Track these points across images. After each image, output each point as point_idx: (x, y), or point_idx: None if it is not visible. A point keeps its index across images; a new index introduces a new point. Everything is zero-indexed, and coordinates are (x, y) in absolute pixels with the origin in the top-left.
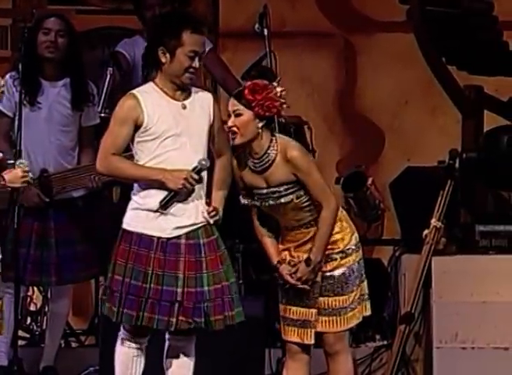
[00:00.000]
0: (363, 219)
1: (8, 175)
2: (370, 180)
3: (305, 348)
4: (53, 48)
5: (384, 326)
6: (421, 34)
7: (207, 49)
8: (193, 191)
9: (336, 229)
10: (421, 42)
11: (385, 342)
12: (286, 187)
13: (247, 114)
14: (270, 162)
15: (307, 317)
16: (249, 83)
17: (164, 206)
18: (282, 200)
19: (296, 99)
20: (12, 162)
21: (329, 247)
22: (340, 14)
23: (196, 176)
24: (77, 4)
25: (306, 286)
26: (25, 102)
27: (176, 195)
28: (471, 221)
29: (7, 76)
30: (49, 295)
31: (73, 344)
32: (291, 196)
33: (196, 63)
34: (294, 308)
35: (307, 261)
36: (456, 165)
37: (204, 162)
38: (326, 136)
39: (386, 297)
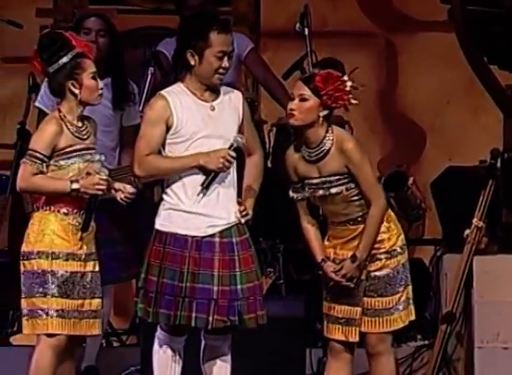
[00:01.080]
0: (404, 218)
1: (84, 180)
2: (411, 180)
3: (348, 347)
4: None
5: (425, 326)
6: (463, 34)
7: (248, 49)
8: (225, 183)
9: (383, 229)
10: (462, 41)
11: (427, 342)
12: (337, 177)
13: (313, 101)
14: (325, 151)
15: (351, 315)
16: (322, 71)
17: (206, 188)
18: (333, 190)
19: None
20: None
21: (375, 246)
22: (381, 13)
23: (233, 154)
24: (118, 4)
25: (351, 283)
26: None
27: (217, 176)
28: None
29: None
30: None
31: (115, 344)
32: (341, 187)
33: (225, 63)
34: (339, 307)
35: (353, 258)
36: (498, 164)
37: (239, 139)
38: (367, 135)
39: (428, 297)
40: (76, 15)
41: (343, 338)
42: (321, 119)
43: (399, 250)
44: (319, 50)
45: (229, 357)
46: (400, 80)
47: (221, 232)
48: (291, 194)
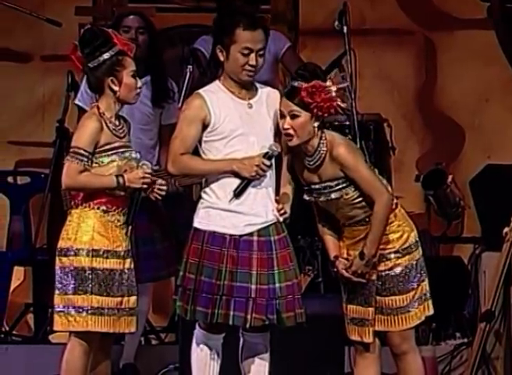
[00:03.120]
0: (443, 216)
1: (128, 174)
2: (450, 178)
3: (369, 347)
4: (135, 46)
5: (464, 324)
6: (502, 32)
7: (285, 47)
8: (263, 181)
9: (392, 228)
10: (501, 40)
11: (466, 340)
12: (335, 182)
13: (304, 115)
14: (321, 158)
15: (364, 316)
16: (305, 84)
17: (239, 195)
18: (333, 195)
19: (376, 96)
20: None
21: (384, 246)
22: (420, 11)
23: (267, 162)
24: (157, 2)
25: (362, 279)
26: None
27: (250, 183)
28: None
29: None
30: None
31: (153, 342)
32: (340, 192)
33: (252, 60)
34: (353, 307)
35: (361, 255)
36: None
37: (274, 148)
38: (406, 133)
39: (467, 295)
40: (115, 13)
41: (358, 339)
42: (315, 129)
43: (411, 247)
44: (358, 48)
45: (267, 355)
46: (439, 78)
47: (259, 230)
48: (304, 196)
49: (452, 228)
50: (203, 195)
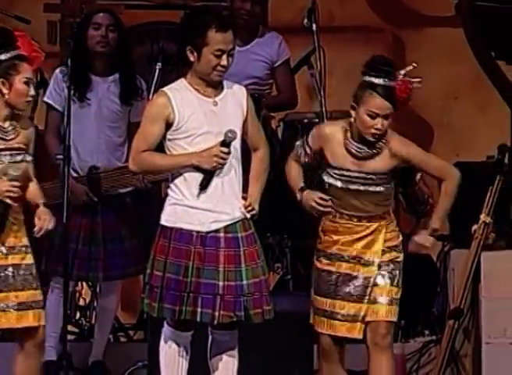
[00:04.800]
0: (412, 214)
1: None
2: (419, 176)
3: (335, 350)
4: (104, 43)
5: (433, 322)
6: (470, 29)
7: (284, 59)
8: (229, 179)
9: (392, 227)
10: (469, 37)
11: (434, 337)
12: (380, 176)
13: (391, 113)
14: (377, 152)
15: (358, 312)
16: (399, 83)
17: (204, 188)
18: (371, 188)
19: (345, 94)
20: (61, 157)
21: (390, 239)
22: (389, 9)
23: (225, 150)
24: None
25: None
26: (74, 98)
27: (213, 175)
28: None
29: (57, 70)
30: (98, 290)
31: (122, 339)
32: (381, 187)
33: (224, 61)
34: (343, 303)
35: (434, 230)
36: (506, 160)
37: (230, 135)
38: None
39: (435, 292)
40: (83, 10)
41: (346, 335)
42: None
43: (400, 248)
44: (327, 45)
45: (235, 352)
46: (408, 76)
47: (226, 227)
48: (325, 177)
49: (420, 225)
50: (169, 192)
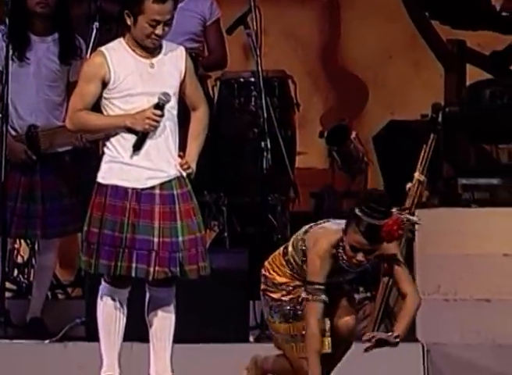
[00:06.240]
0: (347, 172)
1: None
2: (354, 134)
3: None
4: (44, 4)
5: (367, 279)
6: None
7: (214, 18)
8: (165, 137)
9: None
10: None
11: (369, 294)
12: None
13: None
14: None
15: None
16: (383, 222)
17: (138, 149)
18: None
19: (280, 53)
20: None
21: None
22: None
23: (158, 112)
24: None
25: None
26: (13, 57)
27: (147, 136)
28: (453, 174)
29: None
30: (36, 248)
31: (60, 296)
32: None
33: (159, 30)
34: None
35: (397, 337)
36: (439, 118)
37: (163, 97)
38: (310, 90)
39: None
40: None
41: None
42: None
43: None
44: (262, 5)
45: (172, 308)
46: (343, 35)
47: (161, 184)
48: (310, 296)
49: (356, 183)
50: (105, 150)
